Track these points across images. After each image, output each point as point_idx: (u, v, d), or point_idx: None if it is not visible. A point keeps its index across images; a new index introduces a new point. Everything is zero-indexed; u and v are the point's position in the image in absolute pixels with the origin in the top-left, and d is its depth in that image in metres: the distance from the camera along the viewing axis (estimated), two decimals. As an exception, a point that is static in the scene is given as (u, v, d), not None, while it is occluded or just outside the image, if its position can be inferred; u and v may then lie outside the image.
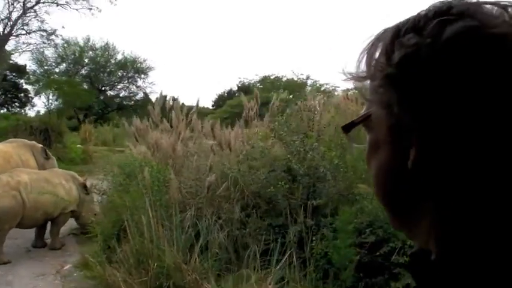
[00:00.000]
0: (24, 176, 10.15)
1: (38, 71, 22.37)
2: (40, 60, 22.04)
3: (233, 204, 8.38)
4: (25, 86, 24.92)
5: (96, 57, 26.51)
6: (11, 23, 21.44)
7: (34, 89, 24.82)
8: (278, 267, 7.14)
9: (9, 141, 13.68)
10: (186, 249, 7.77)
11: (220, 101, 45.18)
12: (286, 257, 7.22)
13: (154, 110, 12.00)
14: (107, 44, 25.65)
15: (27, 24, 22.25)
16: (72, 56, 25.92)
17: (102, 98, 27.18)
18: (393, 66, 0.81)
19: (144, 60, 28.24)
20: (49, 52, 23.99)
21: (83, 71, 27.05)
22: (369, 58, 0.89)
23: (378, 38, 0.89)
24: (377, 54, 0.87)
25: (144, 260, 7.78)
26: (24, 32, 22.50)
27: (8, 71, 25.12)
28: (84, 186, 10.96)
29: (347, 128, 0.96)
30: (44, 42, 24.15)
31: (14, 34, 21.90)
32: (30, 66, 22.80)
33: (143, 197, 8.39)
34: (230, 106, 38.76)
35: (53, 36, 23.80)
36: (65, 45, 25.16)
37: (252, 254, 7.54)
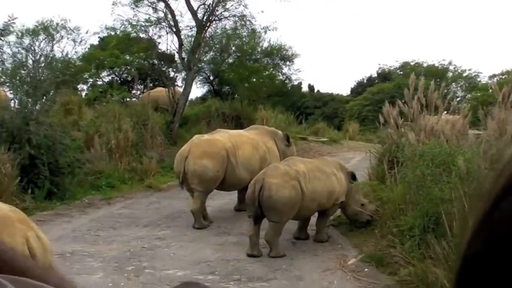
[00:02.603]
0: (300, 165, 9.72)
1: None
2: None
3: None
4: (172, 74, 24.35)
5: (242, 45, 25.97)
6: (211, 7, 21.01)
7: (182, 77, 24.44)
8: None
9: (252, 127, 13.53)
10: None
11: (359, 88, 44.37)
12: None
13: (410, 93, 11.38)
14: (253, 31, 24.95)
15: (227, 9, 21.76)
16: (218, 45, 25.42)
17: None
18: None
19: (290, 47, 27.53)
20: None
21: (230, 59, 26.56)
22: None
23: None
24: None
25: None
26: (221, 17, 22.08)
27: (155, 60, 24.92)
28: (352, 175, 10.37)
29: None
30: (235, 28, 23.68)
31: (213, 19, 21.52)
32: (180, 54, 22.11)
33: (457, 188, 7.73)
34: (371, 93, 38.11)
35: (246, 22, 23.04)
36: (249, 32, 24.82)
37: None
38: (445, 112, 12.51)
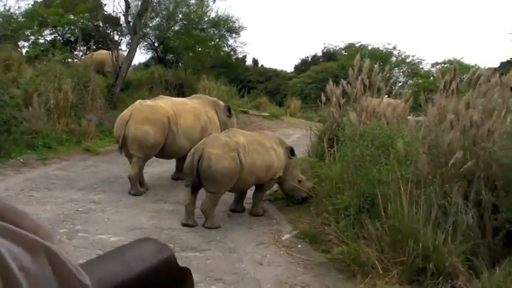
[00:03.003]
0: (240, 137, 9.68)
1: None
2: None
3: (480, 183, 7.82)
4: (116, 38, 23.96)
5: (189, 13, 25.75)
6: None
7: (127, 41, 24.13)
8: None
9: (195, 96, 13.38)
10: (436, 229, 7.24)
11: (304, 65, 44.61)
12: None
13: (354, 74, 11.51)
14: (201, 0, 24.75)
15: None
16: (165, 11, 25.14)
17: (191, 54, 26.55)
18: None
19: (237, 19, 27.46)
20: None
21: (176, 27, 26.30)
22: None
23: None
24: None
25: (401, 239, 7.25)
26: None
27: (101, 21, 24.48)
28: (291, 151, 10.41)
29: None
30: None
31: None
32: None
33: (394, 171, 7.88)
34: (315, 71, 38.50)
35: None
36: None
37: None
38: (387, 96, 12.71)
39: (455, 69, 10.31)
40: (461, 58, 35.03)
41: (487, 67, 12.80)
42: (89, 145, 15.24)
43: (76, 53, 26.60)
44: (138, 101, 11.89)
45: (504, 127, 8.33)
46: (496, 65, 35.78)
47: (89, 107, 17.53)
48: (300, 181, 10.43)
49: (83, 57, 25.56)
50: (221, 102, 13.23)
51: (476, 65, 30.29)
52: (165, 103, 11.77)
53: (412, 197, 7.54)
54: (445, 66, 34.58)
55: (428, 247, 6.90)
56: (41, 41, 26.27)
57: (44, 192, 10.76)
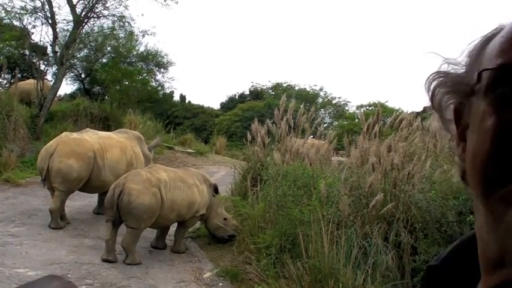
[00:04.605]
0: (162, 173, 9.70)
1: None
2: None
3: (399, 225, 8.12)
4: (42, 67, 23.60)
5: (118, 46, 25.70)
6: (91, 4, 20.40)
7: (53, 71, 23.78)
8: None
9: (121, 131, 13.30)
10: (356, 269, 7.47)
11: (231, 103, 44.83)
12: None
13: (280, 114, 11.74)
14: (131, 33, 24.75)
15: (107, 8, 21.16)
16: (94, 43, 25.02)
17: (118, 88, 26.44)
18: None
19: (166, 55, 27.55)
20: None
21: (104, 59, 26.15)
22: None
23: None
24: None
25: (322, 279, 7.43)
26: (100, 15, 21.47)
27: (27, 50, 24.07)
28: (215, 189, 10.46)
29: None
30: (113, 28, 23.15)
31: (91, 16, 20.89)
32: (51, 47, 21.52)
33: (316, 211, 8.08)
34: (241, 109, 38.72)
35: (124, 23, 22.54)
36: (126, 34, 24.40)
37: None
38: (312, 136, 12.98)
39: (378, 113, 10.63)
40: (386, 101, 35.99)
41: (410, 111, 13.25)
42: (10, 176, 14.83)
43: (0, 80, 25.99)
44: (64, 133, 11.73)
45: (424, 171, 8.64)
46: (419, 109, 36.87)
47: (11, 137, 17.11)
48: (225, 219, 10.46)
49: (7, 86, 24.99)
50: (141, 136, 13.25)
51: (400, 108, 31.12)
52: (91, 137, 11.66)
53: (333, 238, 7.67)
54: (370, 108, 35.46)
55: (349, 287, 7.04)
56: (-37, 67, 25.58)
57: (-42, 223, 10.43)
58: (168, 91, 33.95)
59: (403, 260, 7.81)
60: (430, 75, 0.97)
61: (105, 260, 9.07)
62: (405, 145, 9.19)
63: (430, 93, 0.98)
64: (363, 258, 7.56)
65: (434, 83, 0.97)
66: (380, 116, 10.79)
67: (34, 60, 23.08)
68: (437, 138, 10.11)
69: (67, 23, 21.61)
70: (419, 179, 8.50)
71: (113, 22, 22.85)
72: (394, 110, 24.86)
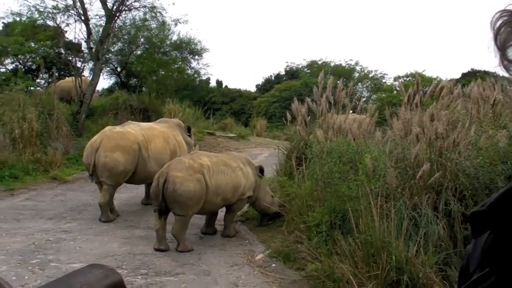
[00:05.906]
0: (205, 158, 9.69)
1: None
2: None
3: (448, 194, 7.95)
4: (79, 64, 23.79)
5: (151, 37, 25.77)
6: None
7: (90, 67, 23.98)
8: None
9: (162, 120, 13.35)
10: (408, 241, 7.33)
11: (267, 84, 44.75)
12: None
13: (319, 91, 11.64)
14: (163, 23, 24.76)
15: (138, 0, 21.25)
16: (127, 36, 25.11)
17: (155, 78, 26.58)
18: None
19: (199, 41, 27.52)
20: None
21: (138, 51, 26.27)
22: None
23: None
24: None
25: (374, 253, 7.32)
26: (131, 7, 21.54)
27: (62, 48, 24.30)
28: (260, 169, 10.45)
29: None
30: (145, 20, 23.29)
31: (123, 9, 20.99)
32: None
33: (364, 186, 7.97)
34: (278, 90, 38.59)
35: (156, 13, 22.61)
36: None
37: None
38: (352, 111, 12.85)
39: (417, 82, 10.43)
40: (423, 71, 35.50)
41: (448, 79, 12.99)
42: (56, 173, 15.08)
43: (38, 81, 26.35)
44: (107, 128, 11.83)
45: (469, 138, 8.46)
46: (458, 76, 36.28)
47: (54, 135, 17.36)
48: (272, 197, 10.50)
49: (46, 85, 25.31)
50: (182, 123, 13.36)
51: (438, 77, 30.63)
52: (134, 129, 11.74)
53: (383, 211, 7.56)
54: (407, 79, 34.94)
55: (401, 259, 6.91)
56: (2, 70, 25.94)
57: (12, 223, 10.61)
58: (204, 78, 34.13)
59: (454, 228, 7.66)
60: (496, 13, 0.94)
61: (157, 249, 9.16)
62: (448, 113, 9.00)
63: (494, 32, 0.95)
64: (414, 229, 7.44)
65: (500, 21, 0.94)
66: (419, 86, 10.59)
67: (70, 58, 23.33)
68: (480, 104, 9.92)
69: (99, 18, 21.83)
70: (464, 146, 8.32)
71: (145, 13, 22.99)
72: (432, 79, 24.47)
